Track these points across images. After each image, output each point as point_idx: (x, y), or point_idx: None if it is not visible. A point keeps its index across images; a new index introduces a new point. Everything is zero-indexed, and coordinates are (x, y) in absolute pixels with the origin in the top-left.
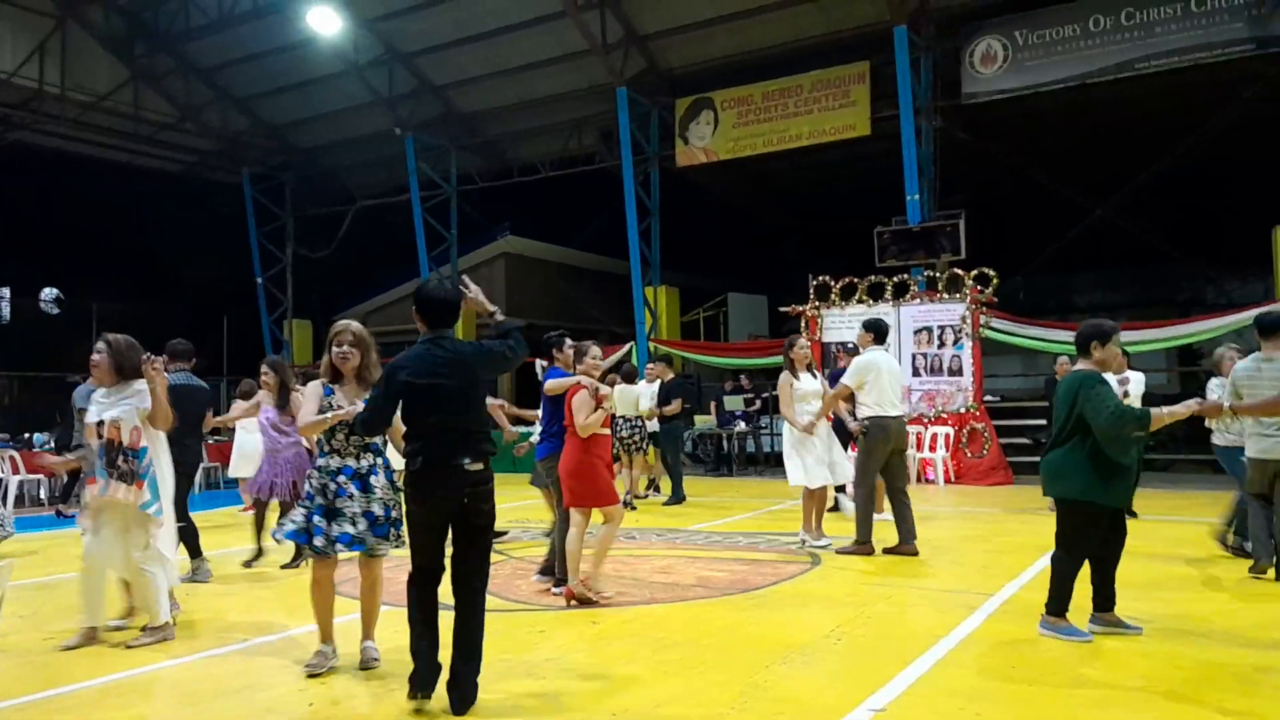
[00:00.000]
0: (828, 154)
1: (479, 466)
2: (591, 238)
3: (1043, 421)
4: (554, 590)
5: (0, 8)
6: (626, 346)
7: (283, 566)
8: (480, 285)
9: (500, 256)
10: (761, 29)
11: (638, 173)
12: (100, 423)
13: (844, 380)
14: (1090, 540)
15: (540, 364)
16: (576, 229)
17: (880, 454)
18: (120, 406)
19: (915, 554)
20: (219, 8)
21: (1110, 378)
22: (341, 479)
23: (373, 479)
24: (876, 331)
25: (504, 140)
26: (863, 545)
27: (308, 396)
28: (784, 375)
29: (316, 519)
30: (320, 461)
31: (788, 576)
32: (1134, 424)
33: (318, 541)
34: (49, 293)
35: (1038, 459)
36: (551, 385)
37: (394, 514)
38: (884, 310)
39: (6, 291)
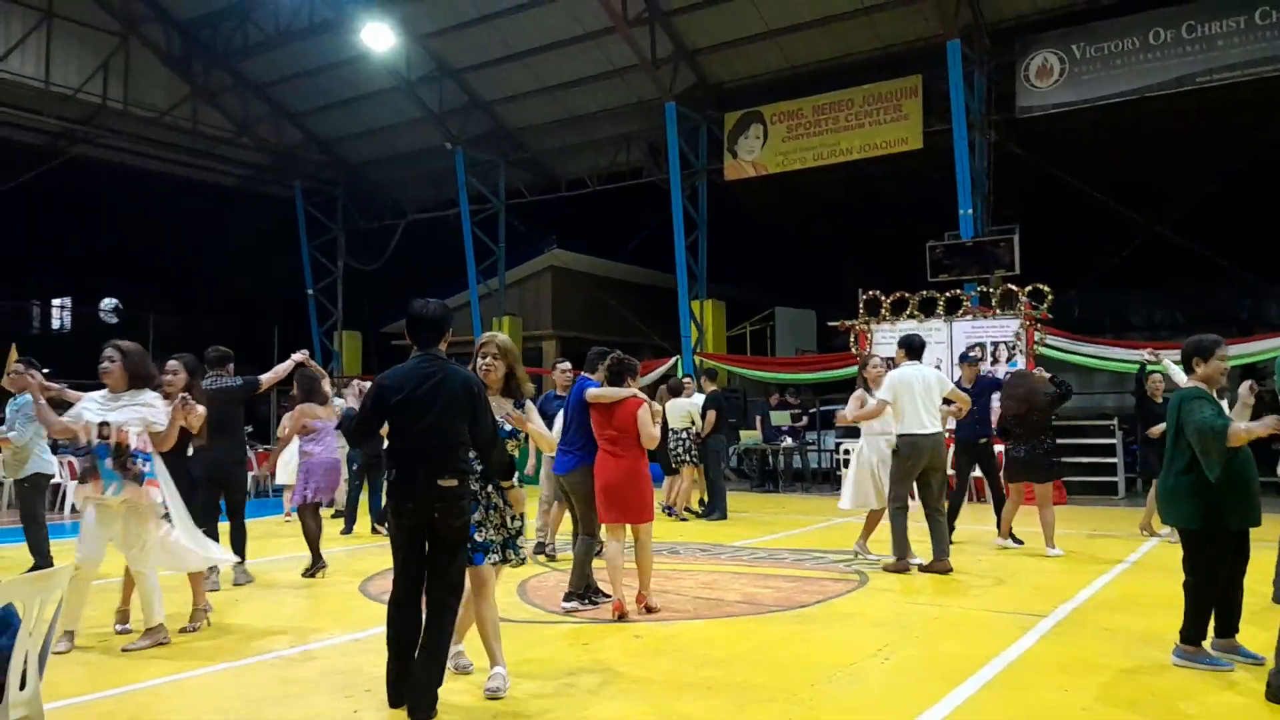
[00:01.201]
0: (878, 168)
1: (452, 483)
2: (638, 251)
3: (1103, 441)
4: (565, 606)
5: (65, 25)
6: (672, 360)
7: (304, 574)
8: (528, 298)
9: (547, 270)
10: (810, 43)
11: (685, 186)
12: (104, 424)
13: (880, 395)
14: (1217, 565)
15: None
16: (623, 243)
17: (912, 472)
18: (128, 412)
19: (949, 570)
20: (275, 25)
21: None
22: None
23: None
24: (909, 347)
25: (552, 155)
26: (900, 562)
27: None
28: (859, 393)
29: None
30: None
31: (835, 594)
32: (1211, 438)
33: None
34: (108, 303)
35: (1092, 479)
36: (600, 393)
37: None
38: (936, 326)
39: (68, 301)
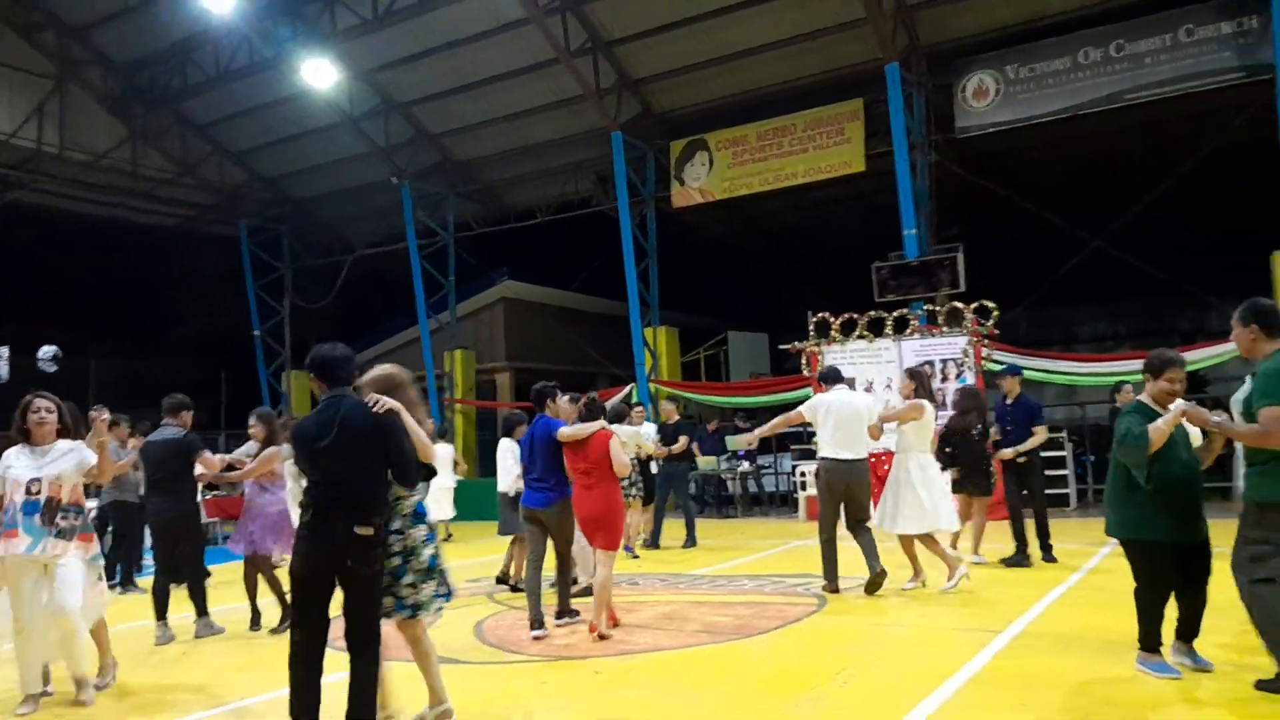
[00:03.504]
0: (823, 192)
1: (368, 531)
2: (590, 281)
3: (1053, 453)
4: (559, 622)
5: (1, 71)
6: (627, 388)
7: (272, 631)
8: (480, 331)
9: (499, 301)
10: (754, 70)
11: (634, 215)
12: (36, 480)
13: (801, 409)
14: (1157, 574)
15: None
16: (575, 272)
17: (831, 498)
18: (60, 464)
19: (882, 573)
20: (215, 65)
21: None
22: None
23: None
24: (824, 379)
25: (501, 186)
26: (828, 585)
27: None
28: (913, 401)
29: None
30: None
31: (794, 619)
32: (1131, 445)
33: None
34: (46, 350)
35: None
36: (571, 432)
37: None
38: (885, 345)
39: (5, 350)
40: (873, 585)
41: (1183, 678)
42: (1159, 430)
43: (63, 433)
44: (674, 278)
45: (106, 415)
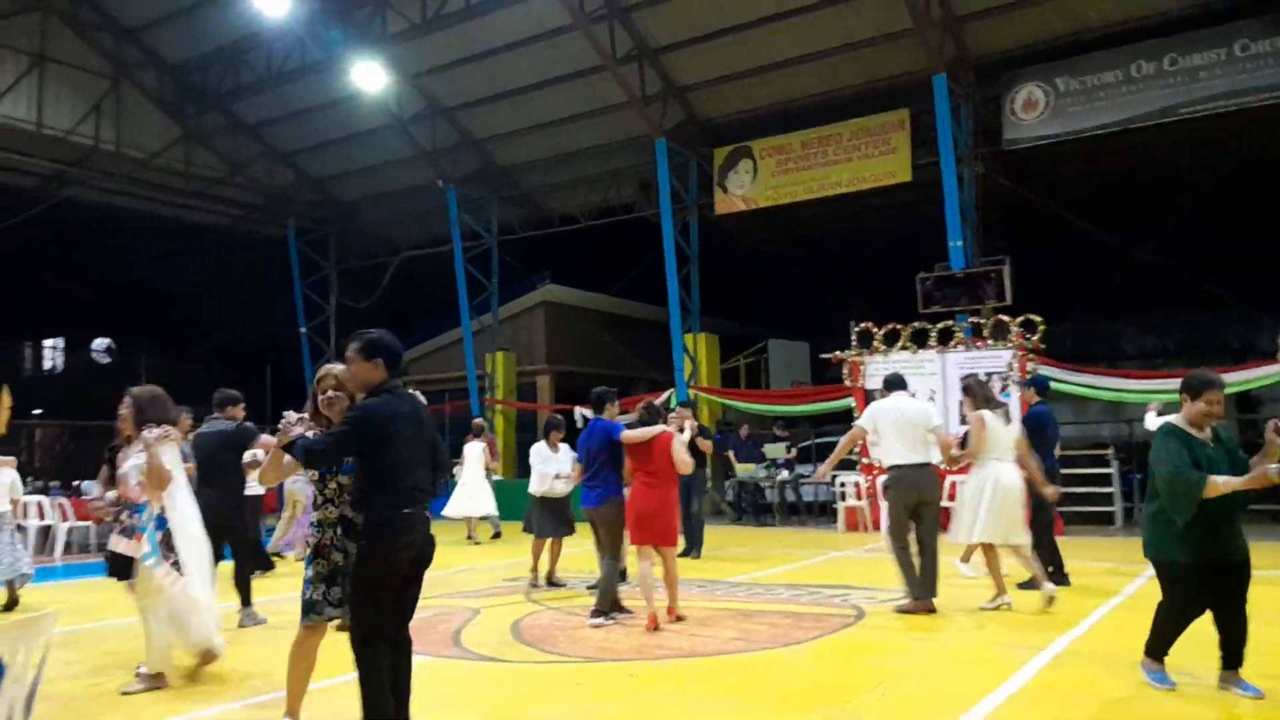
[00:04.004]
0: (867, 201)
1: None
2: (631, 286)
3: (1099, 471)
4: (592, 622)
5: (58, 69)
6: (666, 394)
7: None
8: (521, 334)
9: (540, 305)
10: (798, 79)
11: (676, 221)
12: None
13: (859, 423)
14: (1181, 596)
15: (583, 412)
16: (615, 277)
17: (902, 506)
18: (130, 461)
19: (931, 611)
20: (267, 67)
21: None
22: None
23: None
24: (886, 385)
25: (544, 191)
26: (919, 602)
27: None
28: (978, 413)
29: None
30: (318, 514)
31: (831, 630)
32: (1184, 488)
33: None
34: (100, 343)
35: (1088, 509)
36: (634, 434)
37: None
38: (928, 357)
39: (60, 342)
40: (905, 611)
41: (1177, 688)
42: (1218, 488)
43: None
44: (715, 284)
45: (188, 420)
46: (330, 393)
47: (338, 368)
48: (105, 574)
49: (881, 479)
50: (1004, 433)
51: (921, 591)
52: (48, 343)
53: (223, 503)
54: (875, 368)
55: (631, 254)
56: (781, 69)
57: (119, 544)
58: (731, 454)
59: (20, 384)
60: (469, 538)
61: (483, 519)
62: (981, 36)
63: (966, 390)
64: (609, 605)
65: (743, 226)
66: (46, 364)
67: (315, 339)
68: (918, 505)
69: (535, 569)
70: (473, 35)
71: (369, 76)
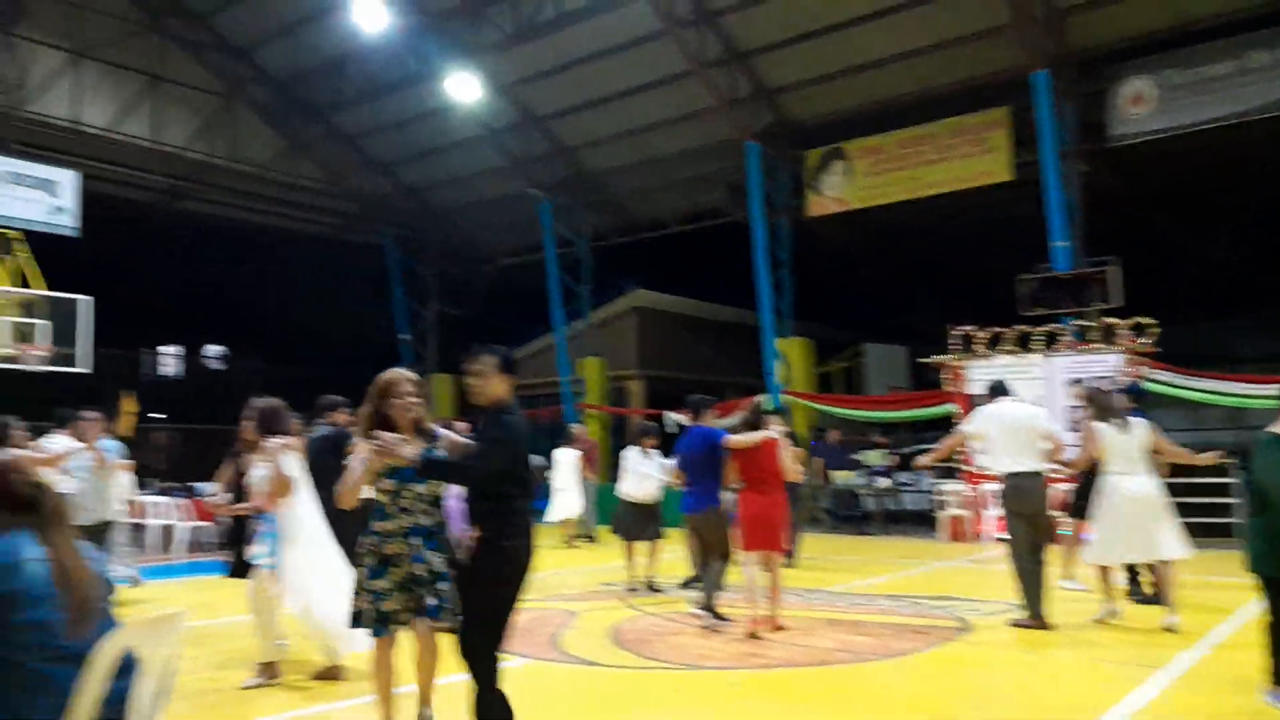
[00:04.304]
0: (965, 201)
1: None
2: (721, 290)
3: (1217, 480)
4: (698, 611)
5: (172, 88)
6: (758, 399)
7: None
8: (612, 339)
9: (631, 310)
10: (892, 79)
11: (768, 224)
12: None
13: (964, 427)
14: None
15: (674, 417)
16: (706, 282)
17: (1019, 517)
18: (256, 471)
19: (1045, 628)
20: (366, 79)
21: None
22: (416, 539)
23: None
24: (992, 392)
25: (634, 197)
26: (1035, 619)
27: (356, 457)
28: (1092, 425)
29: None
30: (381, 525)
31: (934, 642)
32: None
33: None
34: (214, 350)
35: (1205, 520)
36: (741, 440)
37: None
38: (1033, 361)
39: (177, 349)
40: (1020, 626)
41: None
42: None
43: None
44: (807, 288)
45: (298, 425)
46: (409, 399)
47: (406, 373)
48: (226, 574)
49: (994, 488)
50: (1124, 443)
51: (1039, 607)
52: (165, 350)
53: (326, 507)
54: (977, 372)
55: (721, 258)
56: (874, 69)
57: (250, 549)
58: (821, 463)
59: (141, 389)
60: (578, 538)
61: (577, 525)
62: (1084, 30)
63: (1088, 400)
64: (712, 604)
65: (835, 229)
66: (164, 370)
67: (415, 345)
68: (1031, 515)
69: (631, 572)
70: (564, 44)
71: (463, 87)
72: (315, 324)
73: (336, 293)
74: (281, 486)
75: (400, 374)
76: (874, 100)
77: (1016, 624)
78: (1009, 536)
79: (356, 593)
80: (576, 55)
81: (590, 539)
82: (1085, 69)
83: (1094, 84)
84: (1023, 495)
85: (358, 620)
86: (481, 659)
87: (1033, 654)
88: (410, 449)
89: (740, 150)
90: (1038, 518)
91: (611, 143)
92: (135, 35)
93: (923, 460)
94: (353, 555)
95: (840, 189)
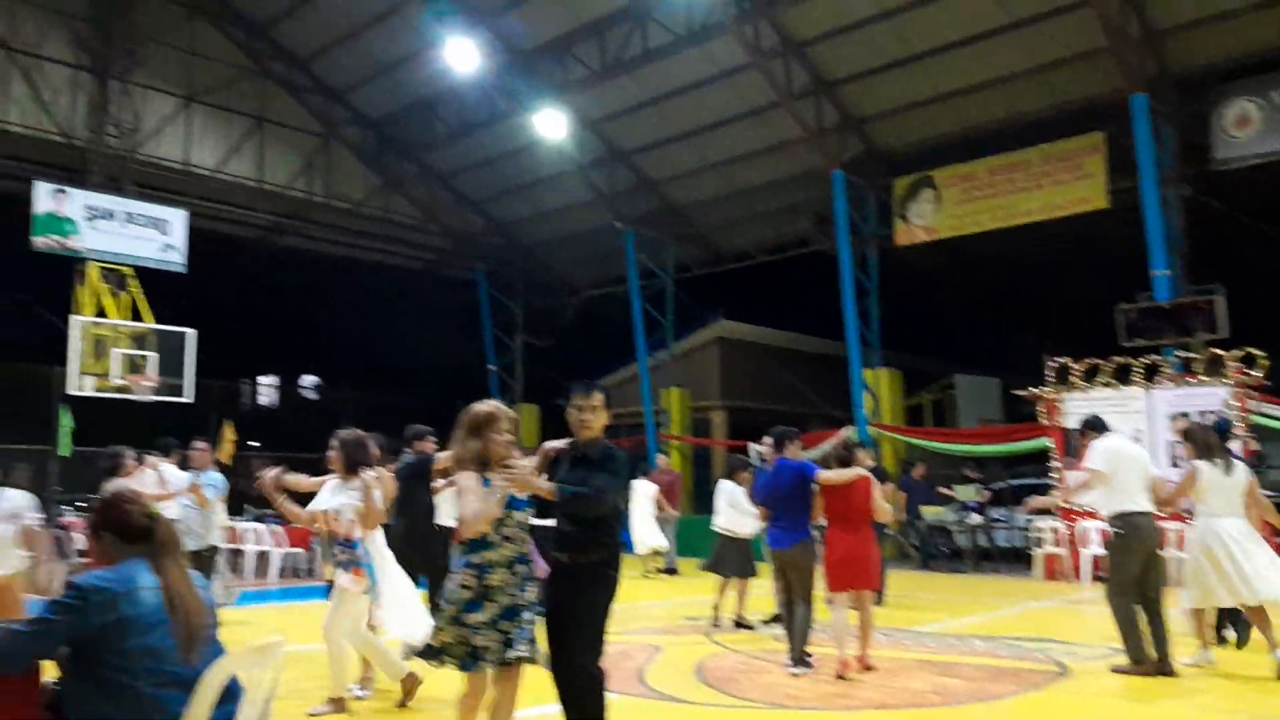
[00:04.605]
0: (1059, 228)
1: None
2: (806, 320)
3: None
4: (795, 671)
5: (275, 129)
6: (845, 431)
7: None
8: (695, 370)
9: (715, 341)
10: (981, 105)
11: (854, 254)
12: (324, 511)
13: (1091, 465)
14: None
15: (757, 449)
16: (790, 312)
17: (1136, 557)
18: (339, 499)
19: (1165, 674)
20: (457, 118)
21: None
22: (522, 568)
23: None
24: (1094, 428)
25: (718, 229)
26: (1137, 665)
27: (466, 489)
28: (1192, 464)
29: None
30: (484, 555)
31: (1031, 686)
32: None
33: (512, 649)
34: (309, 380)
35: None
36: (834, 476)
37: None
38: (1133, 394)
39: (275, 379)
40: (1121, 672)
41: None
42: None
43: (352, 467)
44: (895, 318)
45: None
46: (506, 435)
47: (504, 408)
48: (325, 597)
49: (1092, 525)
50: (1225, 484)
51: (1143, 653)
52: (263, 380)
53: (413, 532)
54: (1074, 405)
55: (806, 288)
56: (965, 95)
57: (340, 577)
58: (903, 498)
59: (240, 419)
60: (659, 570)
61: (657, 558)
62: (1185, 51)
63: (1186, 435)
64: (803, 652)
65: (924, 258)
66: (262, 400)
67: (503, 375)
68: (1150, 557)
69: (718, 609)
70: (649, 79)
71: (551, 124)
72: (406, 354)
73: (427, 324)
74: (374, 517)
75: (499, 409)
76: (964, 127)
77: (1117, 669)
78: (1117, 577)
79: (443, 626)
80: (662, 90)
81: (671, 571)
82: (1185, 91)
83: (1195, 106)
84: (1143, 535)
85: (435, 653)
86: (595, 685)
87: (1136, 701)
88: (545, 481)
89: (827, 180)
90: (1154, 557)
91: (696, 175)
92: (242, 80)
93: (1039, 502)
94: (435, 586)
95: (929, 217)
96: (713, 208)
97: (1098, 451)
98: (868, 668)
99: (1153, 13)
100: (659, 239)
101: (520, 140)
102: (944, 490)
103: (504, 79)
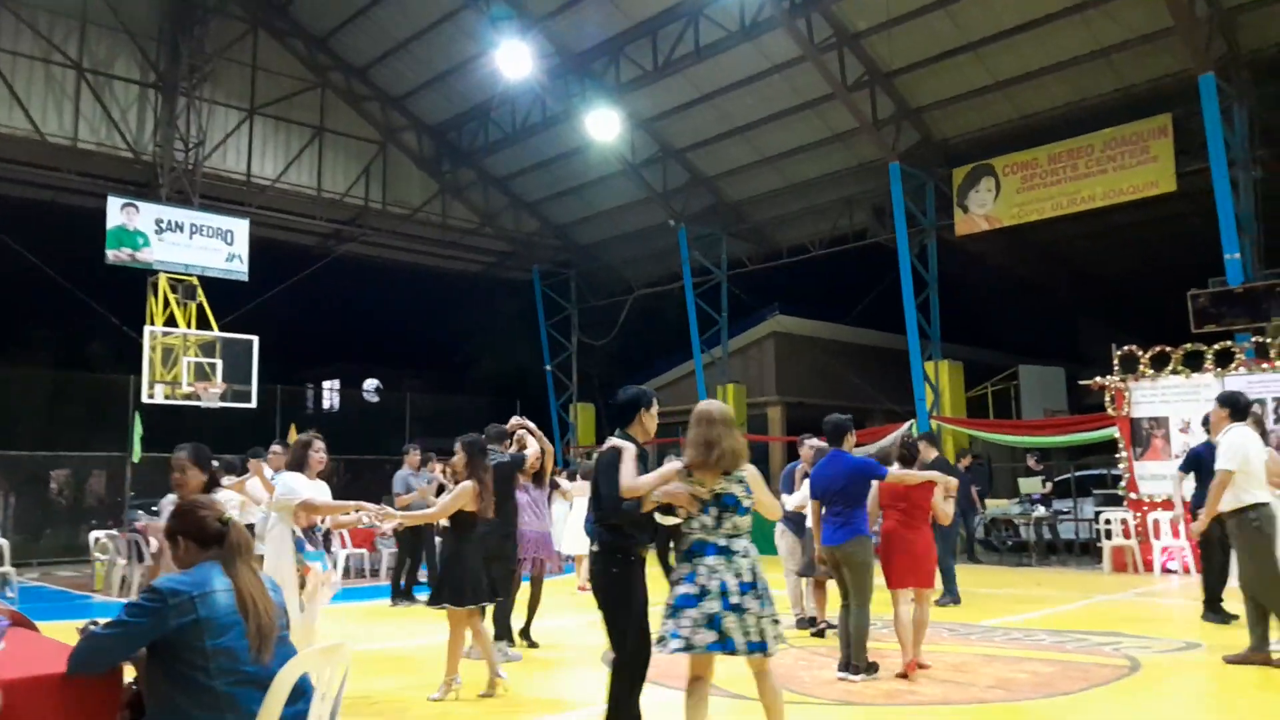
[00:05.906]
0: (1124, 215)
1: (594, 548)
2: (863, 313)
3: None
4: (853, 678)
5: (334, 138)
6: (906, 425)
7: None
8: (751, 365)
9: (770, 336)
10: (1041, 92)
11: (913, 245)
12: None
13: (1225, 464)
14: None
15: (811, 442)
16: (847, 306)
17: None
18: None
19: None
20: (512, 123)
21: None
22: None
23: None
24: (1233, 407)
25: (773, 223)
26: (1254, 653)
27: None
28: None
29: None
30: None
31: (1102, 681)
32: None
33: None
34: (370, 383)
35: None
36: (904, 475)
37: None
38: (1205, 381)
39: (337, 383)
40: (1233, 660)
41: None
42: None
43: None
44: (956, 309)
45: (416, 456)
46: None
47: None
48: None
49: (1239, 517)
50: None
51: (1266, 644)
52: (326, 384)
53: (495, 533)
54: (1142, 394)
55: (863, 281)
56: (1024, 82)
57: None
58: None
59: (303, 422)
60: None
61: None
62: (1255, 28)
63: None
64: (862, 659)
65: (984, 247)
66: (325, 403)
67: (559, 375)
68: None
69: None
70: (702, 77)
71: (604, 125)
72: (465, 357)
73: (485, 327)
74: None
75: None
76: (1023, 114)
77: (1230, 659)
78: (1268, 568)
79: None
80: (715, 86)
81: None
82: (1258, 69)
83: (1268, 85)
84: (1276, 524)
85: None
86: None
87: (1209, 695)
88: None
89: (884, 171)
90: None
91: (751, 170)
92: (302, 91)
93: (1199, 525)
94: (505, 581)
95: (989, 206)
96: (767, 202)
97: (1235, 449)
98: (921, 665)
99: None
100: (713, 235)
101: (574, 142)
102: (977, 490)
103: (557, 81)
